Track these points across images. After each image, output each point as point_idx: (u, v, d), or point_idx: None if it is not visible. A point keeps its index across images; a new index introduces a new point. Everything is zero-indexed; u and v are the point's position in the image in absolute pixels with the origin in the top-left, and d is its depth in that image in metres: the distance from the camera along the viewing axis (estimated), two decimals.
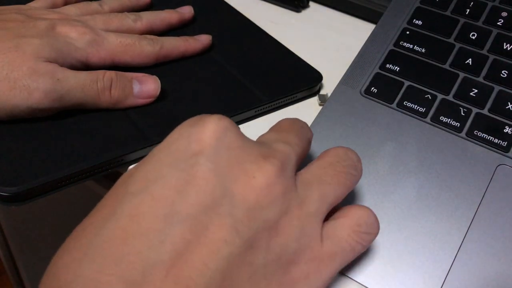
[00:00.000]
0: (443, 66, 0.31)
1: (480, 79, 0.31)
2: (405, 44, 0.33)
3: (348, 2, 0.42)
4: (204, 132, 0.21)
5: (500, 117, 0.29)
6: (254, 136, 0.32)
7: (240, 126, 0.33)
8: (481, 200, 0.27)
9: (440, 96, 0.30)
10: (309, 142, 0.25)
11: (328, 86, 0.36)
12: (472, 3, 0.33)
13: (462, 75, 0.31)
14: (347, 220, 0.23)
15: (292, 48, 0.38)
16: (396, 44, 0.33)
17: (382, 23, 0.34)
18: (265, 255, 0.20)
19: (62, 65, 0.29)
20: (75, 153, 0.28)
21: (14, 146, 0.28)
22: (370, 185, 0.28)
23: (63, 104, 0.29)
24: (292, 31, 0.41)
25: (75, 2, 0.36)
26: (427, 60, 0.32)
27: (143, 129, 0.30)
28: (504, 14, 0.32)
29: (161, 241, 0.18)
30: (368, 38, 0.34)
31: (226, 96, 0.33)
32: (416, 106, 0.30)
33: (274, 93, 0.33)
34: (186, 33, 0.37)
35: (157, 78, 0.32)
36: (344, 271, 0.25)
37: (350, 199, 0.27)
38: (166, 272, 0.18)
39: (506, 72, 0.30)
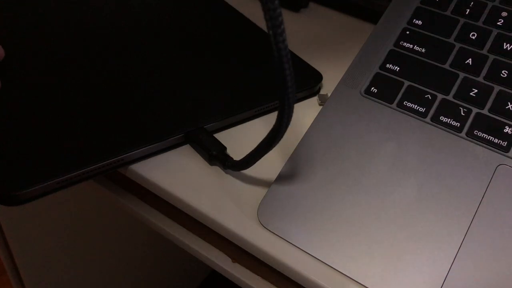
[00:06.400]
0: (443, 66, 0.31)
1: (480, 79, 0.31)
2: (405, 44, 0.33)
3: (348, 2, 0.42)
4: None
5: (500, 117, 0.29)
6: (254, 136, 0.32)
7: (240, 126, 0.33)
8: (481, 200, 0.27)
9: (440, 96, 0.30)
10: None
11: (328, 86, 0.36)
12: (472, 3, 0.33)
13: (462, 75, 0.31)
14: None
15: (292, 48, 0.38)
16: (396, 44, 0.33)
17: (382, 23, 0.34)
18: None
19: None
20: (75, 154, 0.28)
21: (14, 147, 0.28)
22: (370, 185, 0.28)
23: None
24: (292, 31, 0.41)
25: None
26: (427, 60, 0.32)
27: (143, 129, 0.30)
28: (504, 14, 0.32)
29: None
30: (368, 38, 0.34)
31: (226, 96, 0.33)
32: (416, 106, 0.30)
33: (274, 93, 0.33)
34: (186, 34, 0.37)
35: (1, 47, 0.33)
36: (344, 271, 0.25)
37: (350, 198, 0.27)
38: None
39: (506, 72, 0.30)
